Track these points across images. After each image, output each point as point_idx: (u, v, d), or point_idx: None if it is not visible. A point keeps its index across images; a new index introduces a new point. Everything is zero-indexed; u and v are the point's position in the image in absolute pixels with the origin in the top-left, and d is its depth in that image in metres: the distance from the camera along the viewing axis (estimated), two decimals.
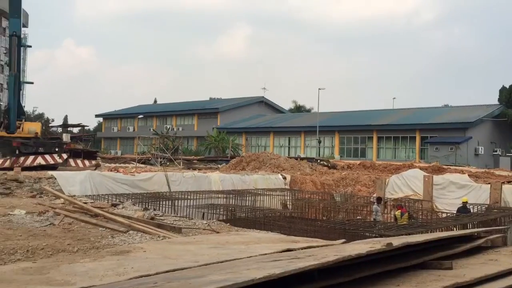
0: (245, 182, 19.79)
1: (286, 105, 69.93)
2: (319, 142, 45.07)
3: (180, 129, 55.81)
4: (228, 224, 9.14)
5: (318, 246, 5.63)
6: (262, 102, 61.04)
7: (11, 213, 8.23)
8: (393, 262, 3.85)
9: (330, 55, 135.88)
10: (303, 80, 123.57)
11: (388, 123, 42.62)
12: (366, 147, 43.58)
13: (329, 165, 28.59)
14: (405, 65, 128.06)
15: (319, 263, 3.18)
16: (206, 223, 8.53)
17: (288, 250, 5.16)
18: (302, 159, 30.06)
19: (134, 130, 61.85)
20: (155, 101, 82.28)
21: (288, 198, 19.46)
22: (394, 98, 61.96)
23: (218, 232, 7.60)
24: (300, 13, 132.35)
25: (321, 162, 29.27)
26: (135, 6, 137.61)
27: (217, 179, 19.31)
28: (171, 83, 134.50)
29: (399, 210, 15.58)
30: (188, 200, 15.87)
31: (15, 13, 21.28)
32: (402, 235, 9.05)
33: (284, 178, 21.53)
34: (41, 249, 5.63)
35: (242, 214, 15.26)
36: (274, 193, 19.08)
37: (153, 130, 49.23)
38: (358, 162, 30.20)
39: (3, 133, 21.15)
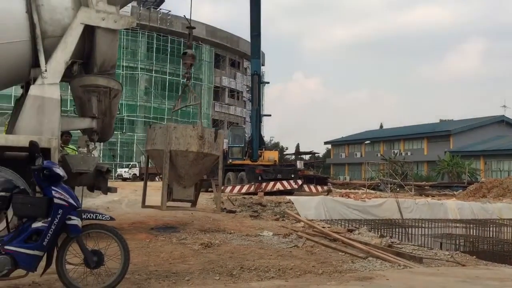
0: (487, 211, 17.89)
1: None
2: None
3: (409, 153, 53.94)
4: (474, 256, 8.38)
5: None
6: (503, 122, 54.66)
7: (260, 234, 9.18)
8: None
9: None
10: None
11: None
12: None
13: None
14: None
15: None
16: (448, 254, 8.00)
17: None
18: None
19: (361, 155, 62.33)
20: (381, 126, 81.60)
21: None
22: None
23: (463, 265, 7.05)
24: None
25: None
26: (359, 34, 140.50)
27: (454, 207, 17.95)
28: (397, 107, 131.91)
29: None
30: (423, 229, 15.13)
31: (256, 54, 24.09)
32: None
33: None
34: (290, 269, 6.10)
35: (485, 246, 13.80)
36: None
37: (381, 155, 48.78)
38: None
39: (248, 162, 23.86)
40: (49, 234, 4.22)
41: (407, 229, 15.06)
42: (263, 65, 49.50)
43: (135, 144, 51.32)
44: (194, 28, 10.09)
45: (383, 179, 32.75)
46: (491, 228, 16.10)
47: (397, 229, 14.65)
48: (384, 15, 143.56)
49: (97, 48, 8.00)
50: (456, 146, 50.37)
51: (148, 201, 10.32)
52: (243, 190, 21.02)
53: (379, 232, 12.21)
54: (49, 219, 4.24)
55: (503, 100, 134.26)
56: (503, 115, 55.22)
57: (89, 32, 7.87)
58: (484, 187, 24.39)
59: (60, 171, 4.39)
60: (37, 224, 4.21)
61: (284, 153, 63.54)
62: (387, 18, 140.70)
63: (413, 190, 28.46)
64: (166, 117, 53.47)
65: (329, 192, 23.26)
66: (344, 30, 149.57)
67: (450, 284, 5.04)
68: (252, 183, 21.54)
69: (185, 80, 10.06)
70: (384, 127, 79.08)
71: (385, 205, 17.35)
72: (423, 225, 15.32)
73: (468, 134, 52.35)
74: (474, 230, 15.86)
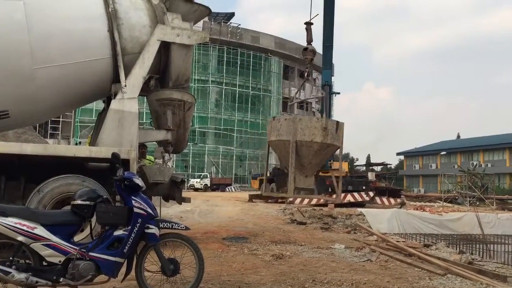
0: None
1: None
2: None
3: (489, 165, 51.05)
4: None
5: None
6: None
7: (332, 246, 9.04)
8: None
9: None
10: None
11: None
12: None
13: None
14: None
15: None
16: None
17: None
18: None
19: (436, 167, 59.80)
20: (458, 136, 77.93)
21: None
22: None
23: None
24: None
25: None
26: (434, 40, 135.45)
27: None
28: (475, 116, 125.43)
29: None
30: (506, 245, 14.18)
31: (327, 65, 23.92)
32: None
33: None
34: (363, 283, 5.94)
35: None
36: None
37: (459, 166, 46.49)
38: None
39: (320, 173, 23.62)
40: (129, 242, 4.40)
41: (488, 245, 14.20)
42: (332, 75, 49.14)
43: (206, 155, 52.63)
44: (312, 24, 10.30)
45: (461, 192, 31.13)
46: None
47: (477, 245, 13.85)
48: (463, 19, 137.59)
49: (172, 63, 8.33)
50: None
51: (221, 212, 10.50)
52: (313, 202, 20.80)
53: (458, 248, 11.60)
54: (129, 227, 4.42)
55: None
56: None
57: (164, 48, 8.21)
58: None
59: (139, 181, 4.58)
60: (118, 232, 4.42)
61: (355, 164, 62.33)
62: (466, 22, 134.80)
63: (494, 204, 26.84)
64: (236, 128, 54.46)
65: (402, 205, 22.48)
66: (419, 36, 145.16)
67: None
68: (322, 195, 21.27)
69: (305, 75, 10.23)
70: (462, 137, 75.41)
71: (464, 220, 16.53)
72: (506, 242, 14.37)
73: None
74: None
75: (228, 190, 44.03)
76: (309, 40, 10.09)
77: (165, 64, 8.45)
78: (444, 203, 26.13)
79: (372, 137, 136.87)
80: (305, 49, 9.96)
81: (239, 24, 57.35)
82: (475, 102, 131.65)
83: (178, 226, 4.76)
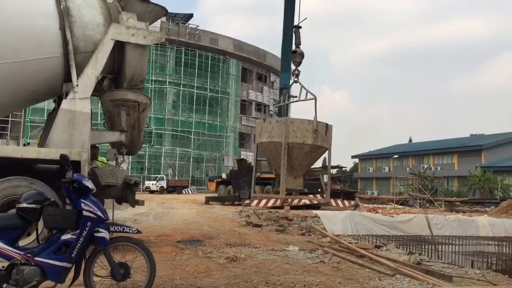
0: None
1: None
2: None
3: (439, 168, 52.98)
4: (507, 276, 8.11)
5: None
6: None
7: (286, 248, 9.12)
8: None
9: None
10: None
11: None
12: None
13: None
14: None
15: None
16: (479, 273, 7.76)
17: None
18: None
19: (389, 170, 61.48)
20: (410, 140, 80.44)
21: None
22: None
23: (495, 285, 6.81)
24: None
25: None
26: (388, 47, 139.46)
27: (486, 224, 17.43)
28: (426, 121, 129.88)
29: None
30: (453, 246, 14.73)
31: (286, 69, 24.12)
32: None
33: None
34: (316, 285, 6.03)
35: None
36: None
37: (410, 169, 48.00)
38: None
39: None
40: (77, 246, 4.28)
41: (436, 246, 14.67)
42: (290, 78, 49.62)
43: (162, 157, 51.97)
44: (300, 27, 10.34)
45: (412, 194, 32.15)
46: None
47: (426, 246, 14.28)
48: (415, 27, 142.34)
49: (127, 63, 8.18)
50: (488, 161, 49.18)
51: (176, 214, 10.38)
52: (270, 204, 20.92)
53: (408, 249, 11.95)
54: (78, 231, 4.31)
55: None
56: None
57: (119, 47, 8.06)
58: None
59: (89, 184, 4.47)
60: (66, 236, 4.29)
61: (311, 166, 63.23)
62: (418, 30, 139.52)
63: (443, 206, 27.84)
64: (193, 130, 54.08)
65: (356, 207, 22.92)
66: (374, 43, 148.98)
67: None
68: (278, 197, 21.43)
69: (294, 77, 10.20)
70: (413, 141, 77.91)
71: (414, 221, 16.99)
72: (454, 242, 14.90)
73: (500, 149, 51.13)
74: (508, 248, 15.36)
75: (184, 192, 43.65)
76: (298, 43, 10.26)
77: (119, 64, 8.29)
78: (396, 205, 26.90)
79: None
80: (294, 52, 10.12)
81: (198, 26, 57.11)
82: (426, 108, 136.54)
83: (129, 230, 4.68)
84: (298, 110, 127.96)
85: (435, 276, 6.88)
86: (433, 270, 7.34)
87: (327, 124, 9.03)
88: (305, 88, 9.51)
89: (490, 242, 15.46)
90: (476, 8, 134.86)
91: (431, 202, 28.95)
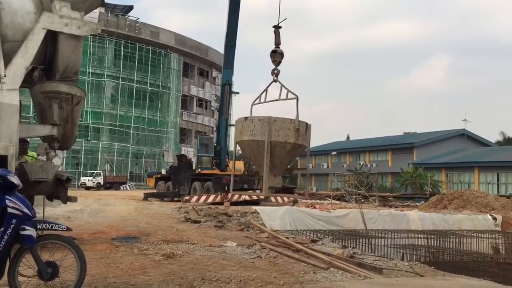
0: (448, 222, 18.31)
1: (492, 137, 63.60)
2: None
3: (374, 165, 54.95)
4: (433, 267, 8.56)
5: None
6: (464, 135, 56.45)
7: (224, 244, 9.13)
8: None
9: None
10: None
11: None
12: None
13: None
14: None
15: None
16: (408, 265, 8.14)
17: None
18: None
19: (328, 166, 63.07)
20: (348, 138, 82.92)
21: (501, 241, 17.29)
22: None
23: (422, 276, 7.18)
24: (504, 37, 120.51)
25: None
26: (327, 47, 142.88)
27: (416, 218, 18.29)
28: (363, 120, 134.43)
29: None
30: (386, 239, 15.35)
31: (229, 64, 24.04)
32: None
33: (494, 219, 19.30)
34: (252, 280, 6.08)
35: (445, 257, 14.08)
36: (482, 236, 17.18)
37: (347, 166, 49.48)
38: None
39: (217, 171, 23.75)
40: (1, 245, 4.09)
41: (370, 239, 15.23)
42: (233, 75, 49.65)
43: (100, 152, 50.38)
44: (280, 27, 10.22)
45: (348, 190, 33.15)
46: (451, 239, 16.47)
47: (360, 240, 14.78)
48: (354, 29, 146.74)
49: (60, 54, 7.84)
50: (419, 158, 51.59)
51: (113, 211, 10.11)
52: (209, 200, 20.85)
53: (343, 243, 12.33)
54: (2, 229, 4.11)
55: (465, 114, 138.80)
56: (464, 129, 57.01)
57: (51, 37, 7.71)
58: (445, 198, 24.95)
59: (14, 179, 4.27)
60: None
61: (251, 163, 63.63)
62: (356, 31, 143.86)
63: (377, 201, 28.90)
64: (132, 125, 52.83)
65: (295, 202, 23.31)
66: (314, 43, 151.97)
67: None
68: (219, 193, 21.41)
69: (273, 76, 10.06)
70: (351, 138, 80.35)
71: (349, 216, 17.50)
72: (386, 236, 15.51)
73: (430, 146, 53.77)
74: (435, 241, 16.20)
75: (122, 189, 42.57)
76: (277, 43, 10.22)
77: (52, 54, 7.93)
78: (333, 201, 27.63)
79: None
80: (274, 51, 10.08)
81: (138, 18, 55.77)
82: (363, 107, 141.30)
83: (58, 227, 4.51)
84: (238, 110, 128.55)
85: (367, 269, 7.15)
86: (365, 263, 7.62)
87: (307, 123, 9.23)
88: (286, 88, 9.54)
89: (419, 235, 16.24)
90: (410, 11, 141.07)
91: (366, 197, 29.97)
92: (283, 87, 9.74)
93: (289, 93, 9.52)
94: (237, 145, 10.19)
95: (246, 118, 9.52)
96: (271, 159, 9.00)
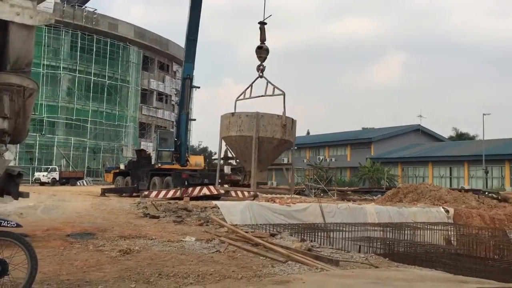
0: (403, 215, 18.87)
1: (445, 132, 65.84)
2: (486, 172, 41.12)
3: (333, 159, 55.88)
4: (387, 259, 8.80)
5: None
6: (419, 131, 58.25)
7: (183, 239, 9.07)
8: None
9: (496, 78, 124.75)
10: (464, 105, 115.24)
11: None
12: None
13: (499, 197, 25.82)
14: None
15: None
16: (363, 257, 8.34)
17: None
18: (466, 191, 27.70)
19: (288, 161, 63.59)
20: (308, 133, 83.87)
21: (452, 233, 17.99)
22: None
23: (377, 267, 7.38)
24: (457, 35, 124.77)
25: (490, 195, 26.60)
26: (288, 43, 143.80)
27: (373, 211, 18.76)
28: (323, 115, 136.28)
29: None
30: (343, 232, 15.66)
31: (190, 58, 23.79)
32: None
33: (447, 211, 20.04)
34: (210, 274, 6.08)
35: (400, 249, 14.51)
36: (435, 228, 17.81)
37: (307, 160, 50.07)
38: None
39: (177, 166, 23.53)
40: None
41: (329, 233, 15.50)
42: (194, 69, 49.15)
43: (55, 147, 48.93)
44: (266, 24, 10.06)
45: (308, 184, 33.59)
46: (406, 231, 17.00)
47: (319, 233, 15.03)
48: (314, 25, 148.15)
49: (11, 44, 7.50)
50: (377, 153, 52.87)
51: (68, 207, 9.86)
52: (169, 195, 20.66)
53: (302, 236, 12.49)
54: None
55: (420, 110, 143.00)
56: (419, 125, 58.83)
57: (1, 27, 7.40)
58: (400, 192, 25.68)
59: None
60: None
61: (213, 158, 63.34)
62: (316, 28, 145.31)
63: (335, 195, 29.43)
64: (90, 119, 51.57)
65: (255, 197, 23.41)
66: (274, 38, 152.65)
67: (361, 285, 5.26)
68: (179, 188, 21.24)
69: (259, 72, 9.89)
70: (311, 134, 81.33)
71: (309, 210, 17.75)
72: (344, 229, 15.83)
73: (387, 141, 55.20)
74: (391, 233, 16.67)
75: (79, 184, 41.52)
76: (263, 39, 10.13)
77: (2, 45, 7.60)
78: (293, 195, 27.88)
79: None
80: (260, 47, 10.00)
81: (96, 9, 54.33)
82: (322, 102, 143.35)
83: (7, 224, 4.36)
84: (199, 105, 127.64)
85: (324, 261, 7.28)
86: (322, 256, 7.75)
87: (292, 119, 9.31)
88: (272, 84, 9.48)
89: (376, 228, 16.67)
90: (369, 8, 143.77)
91: (325, 191, 30.47)
92: (269, 83, 9.76)
93: (275, 89, 9.55)
94: (223, 141, 10.18)
95: (233, 113, 9.50)
96: (258, 154, 9.05)
